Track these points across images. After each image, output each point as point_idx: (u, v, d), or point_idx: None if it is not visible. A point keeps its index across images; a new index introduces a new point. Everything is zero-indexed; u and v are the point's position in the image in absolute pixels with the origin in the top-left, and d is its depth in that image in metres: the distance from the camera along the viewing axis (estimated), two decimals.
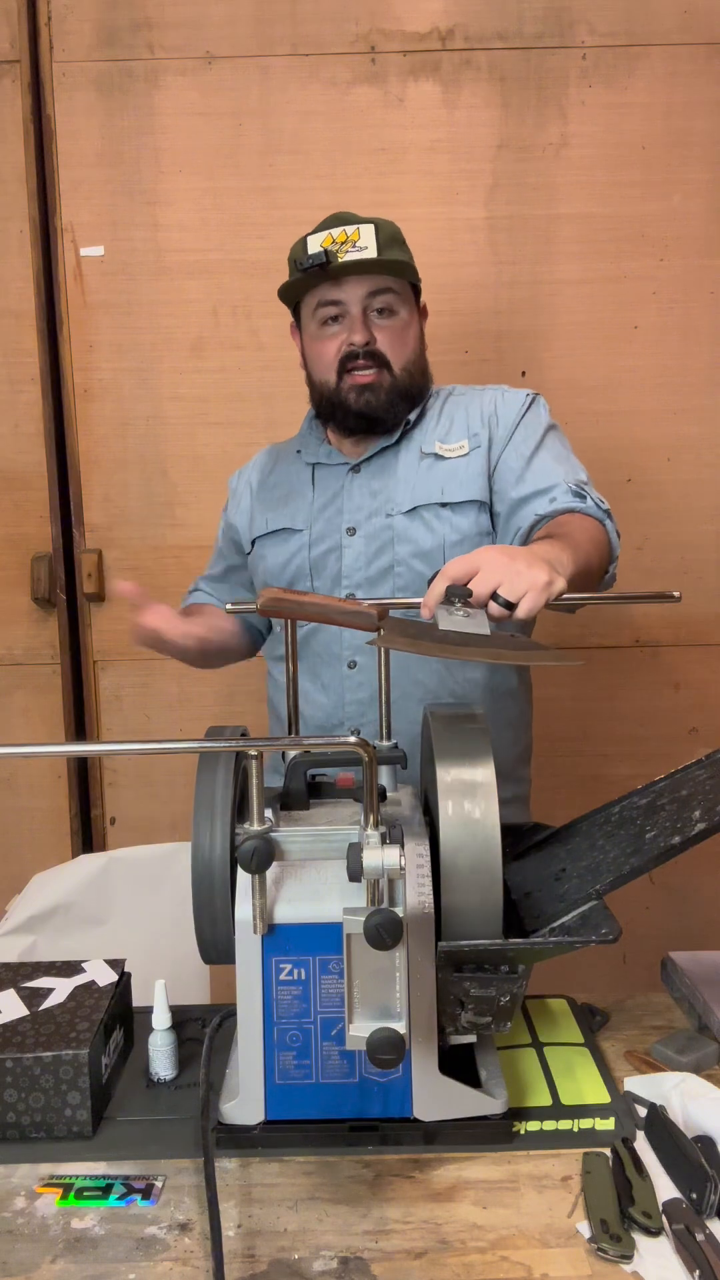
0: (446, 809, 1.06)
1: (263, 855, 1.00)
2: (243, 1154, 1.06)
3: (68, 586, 2.33)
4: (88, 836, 2.41)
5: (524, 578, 1.17)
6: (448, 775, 1.08)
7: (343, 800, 1.20)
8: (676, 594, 1.26)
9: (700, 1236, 0.93)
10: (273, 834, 1.08)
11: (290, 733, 1.35)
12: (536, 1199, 1.00)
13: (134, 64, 2.18)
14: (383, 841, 0.99)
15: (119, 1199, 1.02)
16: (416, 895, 1.02)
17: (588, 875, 1.13)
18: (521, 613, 1.17)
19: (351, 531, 1.65)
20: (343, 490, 1.68)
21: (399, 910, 0.96)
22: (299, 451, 1.76)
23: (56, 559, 2.31)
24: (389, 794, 1.20)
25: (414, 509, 1.62)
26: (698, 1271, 0.89)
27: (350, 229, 1.59)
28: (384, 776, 1.20)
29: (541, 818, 1.56)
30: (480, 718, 1.17)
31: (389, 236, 1.62)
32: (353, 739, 1.00)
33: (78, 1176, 1.05)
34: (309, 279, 1.60)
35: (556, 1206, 0.99)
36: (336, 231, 1.60)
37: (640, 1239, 0.94)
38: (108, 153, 2.20)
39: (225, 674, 2.35)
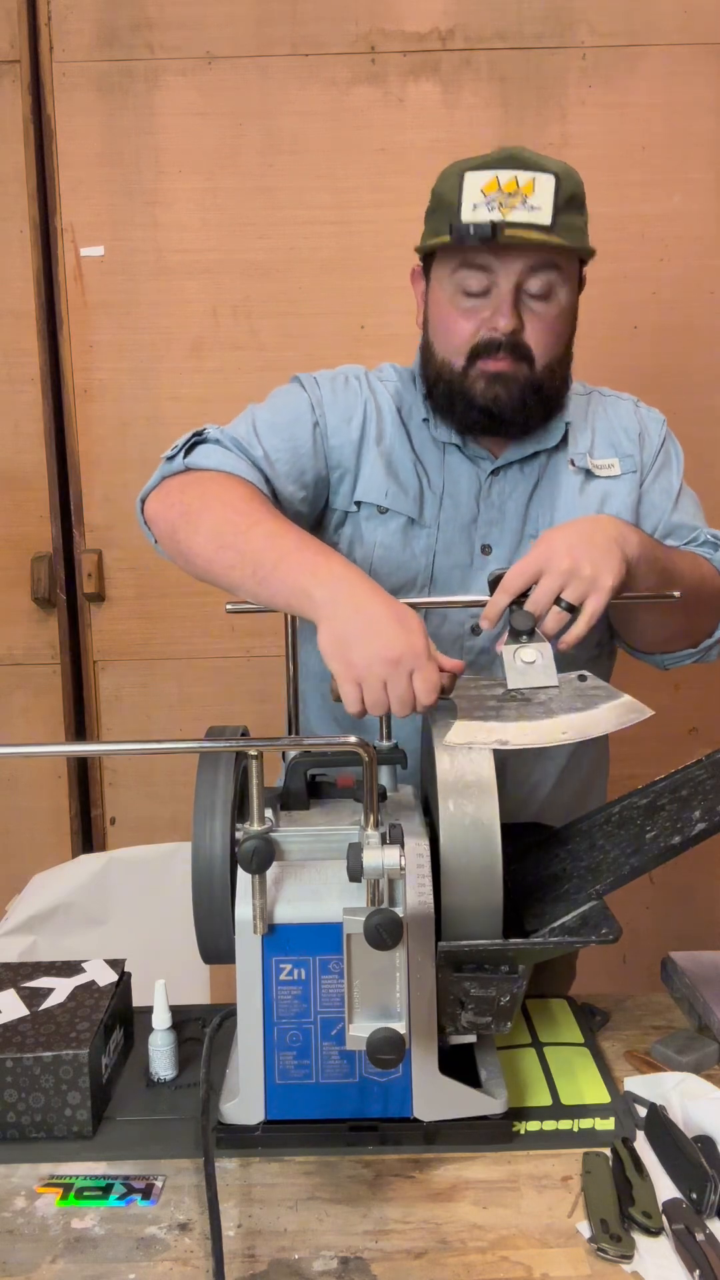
0: (447, 809, 1.06)
1: (263, 855, 1.00)
2: (243, 1154, 1.06)
3: (68, 586, 2.33)
4: (88, 836, 2.41)
5: (584, 580, 1.13)
6: (448, 775, 1.07)
7: (343, 800, 1.20)
8: (676, 593, 1.26)
9: (700, 1236, 0.93)
10: (273, 834, 1.08)
11: (290, 733, 1.34)
12: (536, 1199, 1.00)
13: (134, 64, 2.18)
14: (383, 841, 0.99)
15: (119, 1199, 1.02)
16: (416, 895, 1.02)
17: (588, 875, 1.13)
18: (582, 624, 1.14)
19: (486, 550, 1.40)
20: (480, 494, 1.41)
21: (399, 910, 0.96)
22: (426, 420, 1.42)
23: (56, 559, 2.31)
24: (389, 794, 1.20)
25: None
26: (698, 1271, 0.89)
27: (525, 177, 1.29)
28: (384, 776, 1.20)
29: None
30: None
31: (569, 195, 1.31)
32: (353, 739, 0.99)
33: (78, 1176, 1.05)
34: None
35: (556, 1206, 0.99)
36: (506, 177, 1.29)
37: (640, 1239, 0.94)
38: (108, 153, 2.20)
39: (225, 674, 2.36)
